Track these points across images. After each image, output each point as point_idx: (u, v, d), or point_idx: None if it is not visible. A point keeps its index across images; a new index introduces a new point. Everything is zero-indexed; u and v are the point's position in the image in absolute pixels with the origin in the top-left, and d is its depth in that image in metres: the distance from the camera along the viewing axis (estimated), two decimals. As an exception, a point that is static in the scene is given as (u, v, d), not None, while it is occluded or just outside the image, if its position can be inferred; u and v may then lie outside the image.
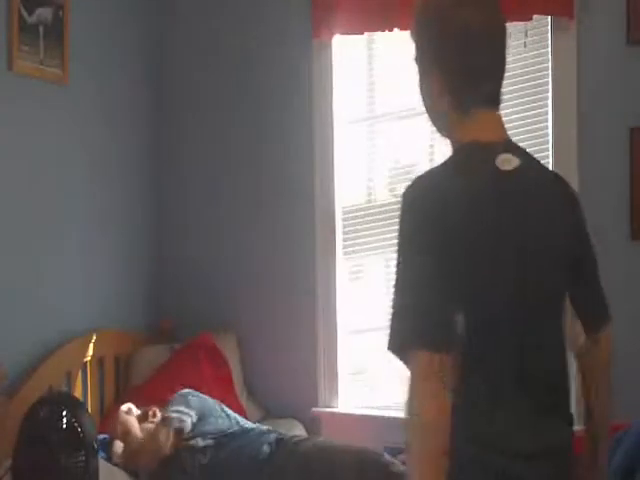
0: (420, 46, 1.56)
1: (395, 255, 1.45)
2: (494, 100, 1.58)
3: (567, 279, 1.58)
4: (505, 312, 1.45)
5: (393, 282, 1.44)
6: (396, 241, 1.45)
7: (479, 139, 1.52)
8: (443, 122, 1.58)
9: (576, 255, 1.60)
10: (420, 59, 1.56)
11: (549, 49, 3.11)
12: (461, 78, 1.52)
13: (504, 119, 1.65)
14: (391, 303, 1.43)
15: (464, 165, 1.49)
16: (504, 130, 1.60)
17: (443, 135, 1.61)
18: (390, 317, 1.42)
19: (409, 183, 1.49)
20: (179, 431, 2.81)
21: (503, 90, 3.12)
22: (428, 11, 1.54)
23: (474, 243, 1.43)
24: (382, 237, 3.38)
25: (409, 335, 1.38)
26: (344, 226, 3.47)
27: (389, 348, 1.41)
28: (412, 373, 1.38)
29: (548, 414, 1.53)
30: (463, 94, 1.52)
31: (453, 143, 1.56)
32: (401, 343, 1.40)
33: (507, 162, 1.50)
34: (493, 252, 1.45)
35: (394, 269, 1.45)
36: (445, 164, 1.51)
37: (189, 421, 2.81)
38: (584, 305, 1.70)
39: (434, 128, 1.64)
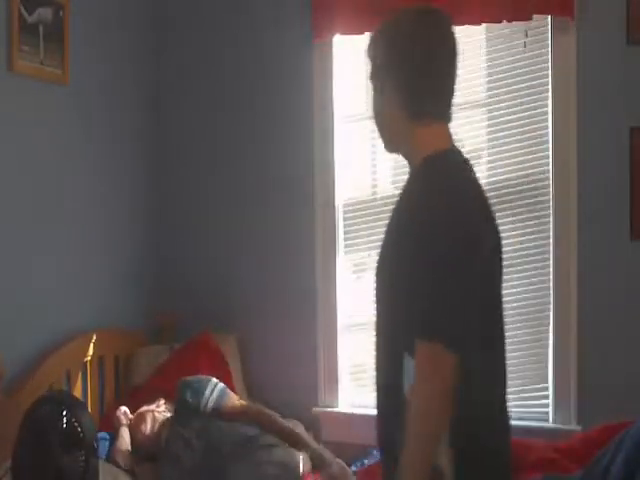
0: (380, 62, 1.71)
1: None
2: (449, 114, 1.73)
3: None
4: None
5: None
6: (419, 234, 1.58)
7: (447, 147, 1.71)
8: (399, 135, 1.72)
9: None
10: (378, 74, 1.72)
11: (549, 49, 3.11)
12: (422, 94, 1.68)
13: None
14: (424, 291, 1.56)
15: (456, 170, 1.68)
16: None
17: (394, 148, 1.77)
18: (422, 304, 1.57)
19: (426, 187, 1.64)
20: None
21: (503, 90, 3.20)
22: (392, 31, 1.70)
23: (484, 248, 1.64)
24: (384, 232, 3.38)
25: (437, 328, 1.56)
26: (345, 226, 3.47)
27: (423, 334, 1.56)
28: (428, 363, 1.56)
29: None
30: (423, 108, 1.68)
31: (416, 152, 1.70)
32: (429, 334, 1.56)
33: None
34: (488, 262, 1.68)
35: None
36: (436, 170, 1.66)
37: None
38: None
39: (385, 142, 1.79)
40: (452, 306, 1.56)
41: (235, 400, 2.96)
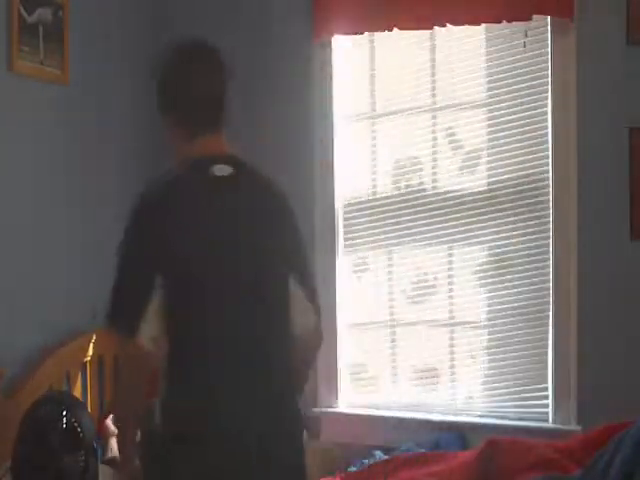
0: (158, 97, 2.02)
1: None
2: (215, 125, 2.01)
3: (281, 270, 1.97)
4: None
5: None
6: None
7: (199, 154, 2.00)
8: (180, 152, 2.05)
9: (286, 250, 2.00)
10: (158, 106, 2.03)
11: (549, 49, 3.11)
12: (187, 116, 2.00)
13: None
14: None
15: (185, 172, 2.01)
16: (225, 147, 2.01)
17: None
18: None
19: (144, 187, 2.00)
20: None
21: (503, 90, 3.19)
22: (156, 67, 1.99)
23: (188, 239, 1.89)
24: (384, 232, 3.39)
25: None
26: (345, 226, 3.47)
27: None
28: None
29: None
30: (190, 128, 2.00)
31: (179, 159, 2.04)
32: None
33: (220, 170, 1.96)
34: (204, 246, 1.88)
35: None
36: (170, 172, 2.05)
37: None
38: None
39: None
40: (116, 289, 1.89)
41: None
